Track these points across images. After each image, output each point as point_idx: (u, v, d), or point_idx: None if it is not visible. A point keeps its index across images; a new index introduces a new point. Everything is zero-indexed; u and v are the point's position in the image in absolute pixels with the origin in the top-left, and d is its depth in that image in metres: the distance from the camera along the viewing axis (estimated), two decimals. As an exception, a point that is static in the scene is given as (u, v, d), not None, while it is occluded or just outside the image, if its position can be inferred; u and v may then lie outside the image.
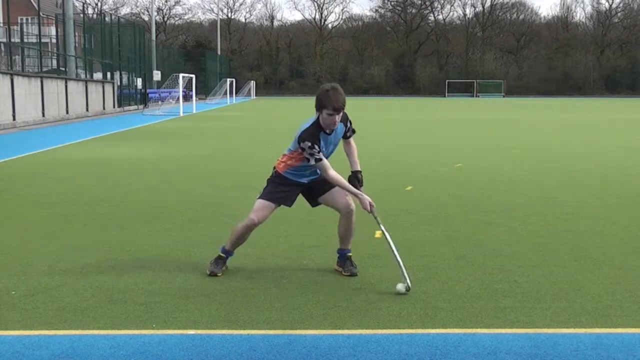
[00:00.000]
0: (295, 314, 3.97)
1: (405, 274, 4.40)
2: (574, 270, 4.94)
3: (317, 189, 4.80)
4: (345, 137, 4.83)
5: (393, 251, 4.51)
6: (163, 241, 5.84)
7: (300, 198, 4.94)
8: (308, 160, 4.54)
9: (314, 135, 4.53)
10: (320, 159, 4.54)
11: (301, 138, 4.51)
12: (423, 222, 6.71)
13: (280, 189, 4.75)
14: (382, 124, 24.40)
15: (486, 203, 7.82)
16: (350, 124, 4.83)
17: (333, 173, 4.58)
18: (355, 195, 4.65)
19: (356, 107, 41.69)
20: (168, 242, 5.81)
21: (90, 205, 7.61)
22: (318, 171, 4.70)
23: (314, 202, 4.93)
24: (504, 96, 73.47)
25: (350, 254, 4.88)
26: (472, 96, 74.37)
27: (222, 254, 4.84)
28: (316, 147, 4.50)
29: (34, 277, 4.73)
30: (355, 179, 4.77)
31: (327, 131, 4.58)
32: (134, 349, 3.44)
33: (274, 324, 3.80)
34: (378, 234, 6.11)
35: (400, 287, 4.35)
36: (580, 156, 13.31)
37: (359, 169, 4.83)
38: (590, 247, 5.66)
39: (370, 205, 4.61)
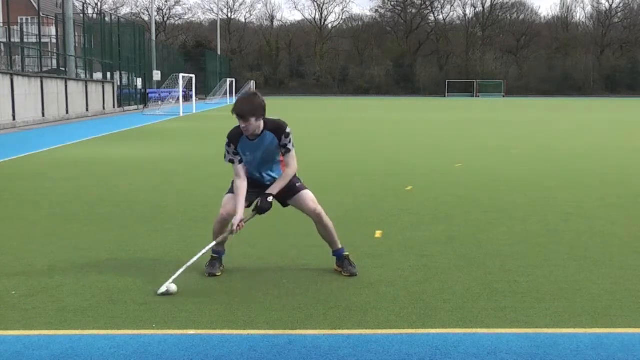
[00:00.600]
0: (295, 314, 3.97)
1: (177, 275, 4.37)
2: (574, 270, 4.94)
3: (285, 192, 4.79)
4: (281, 153, 4.72)
5: (198, 253, 4.56)
6: (163, 241, 5.84)
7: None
8: (224, 156, 4.74)
9: (233, 135, 4.68)
10: (232, 161, 4.69)
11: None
12: (423, 222, 6.71)
13: None
14: (382, 123, 24.41)
15: (486, 203, 7.82)
16: (289, 141, 4.64)
17: (236, 180, 4.70)
18: (236, 210, 4.61)
19: (356, 107, 41.71)
20: (168, 242, 5.82)
21: (90, 205, 7.61)
22: (277, 176, 4.76)
23: (283, 203, 4.95)
24: (504, 96, 73.48)
25: (347, 253, 4.87)
26: (472, 96, 74.38)
27: (213, 255, 4.86)
28: (231, 146, 4.66)
29: (34, 277, 4.73)
30: (255, 201, 4.73)
31: (249, 137, 4.60)
32: (134, 349, 3.44)
33: (274, 324, 3.80)
34: (378, 233, 6.12)
35: (172, 287, 4.30)
36: (580, 156, 13.31)
37: (271, 192, 4.66)
38: (590, 247, 5.66)
39: (231, 227, 4.58)
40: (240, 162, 4.71)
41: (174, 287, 4.33)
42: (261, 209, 4.64)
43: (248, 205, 4.80)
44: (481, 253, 5.43)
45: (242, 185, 4.66)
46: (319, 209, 4.77)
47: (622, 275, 4.80)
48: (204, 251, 4.64)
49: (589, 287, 4.51)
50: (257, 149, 4.66)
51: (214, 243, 4.72)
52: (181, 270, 4.46)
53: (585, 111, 36.61)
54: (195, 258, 4.57)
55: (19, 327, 3.76)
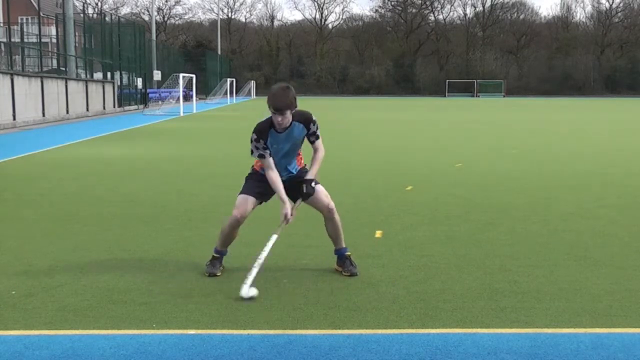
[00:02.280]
0: (295, 314, 3.97)
1: (252, 279, 4.33)
2: (574, 270, 4.94)
3: (296, 188, 4.79)
4: (310, 141, 4.77)
5: (262, 254, 4.51)
6: (163, 241, 5.84)
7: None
8: (251, 152, 4.63)
9: (262, 130, 4.61)
10: (263, 155, 4.61)
11: (253, 130, 4.59)
12: (423, 222, 6.71)
13: (256, 184, 4.80)
14: (382, 123, 24.41)
15: (486, 203, 7.82)
16: (317, 128, 4.72)
17: (270, 173, 4.64)
18: (281, 200, 4.64)
19: (356, 107, 41.71)
20: (168, 242, 5.82)
21: (90, 205, 7.61)
22: (292, 170, 4.78)
23: (296, 200, 4.92)
24: (504, 96, 73.47)
25: (349, 253, 4.88)
26: (472, 96, 74.37)
27: (215, 255, 4.86)
28: (261, 141, 4.58)
29: (34, 277, 4.73)
30: (298, 189, 4.73)
31: (279, 130, 4.59)
32: (134, 349, 3.44)
33: (274, 324, 3.80)
34: (378, 233, 6.12)
35: (252, 290, 4.26)
36: (580, 156, 13.30)
37: (310, 177, 4.72)
38: (590, 247, 5.66)
39: (286, 218, 4.60)
40: (270, 155, 4.67)
41: (255, 291, 4.28)
42: (307, 195, 4.70)
43: (260, 203, 4.80)
44: (481, 253, 5.43)
45: (276, 176, 4.66)
46: (332, 204, 4.79)
47: (622, 275, 4.80)
48: (269, 248, 4.58)
49: (589, 287, 4.51)
50: (286, 140, 4.67)
51: (275, 237, 4.65)
52: (256, 271, 4.39)
53: (585, 111, 36.60)
54: (263, 256, 4.49)
55: (19, 327, 3.76)
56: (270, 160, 4.65)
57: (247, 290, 4.25)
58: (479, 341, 3.56)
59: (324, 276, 4.76)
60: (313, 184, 4.71)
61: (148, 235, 6.10)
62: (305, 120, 4.67)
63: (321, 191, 4.80)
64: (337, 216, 4.83)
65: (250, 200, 4.75)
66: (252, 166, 4.92)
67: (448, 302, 4.19)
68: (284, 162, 4.79)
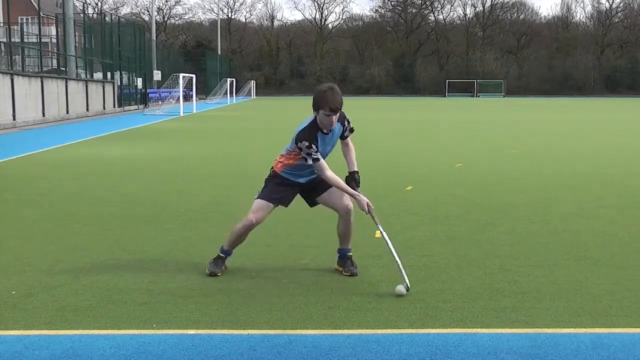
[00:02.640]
0: (295, 314, 3.97)
1: (405, 275, 4.40)
2: (574, 270, 4.94)
3: (315, 189, 4.80)
4: (343, 137, 4.81)
5: (392, 252, 4.51)
6: (163, 241, 5.84)
7: (299, 198, 4.93)
8: (305, 160, 4.53)
9: (311, 135, 4.53)
10: (318, 159, 4.53)
11: (299, 138, 4.51)
12: (423, 222, 6.71)
13: (278, 189, 4.75)
14: (383, 123, 24.41)
15: (486, 203, 7.82)
16: (349, 123, 4.79)
17: (330, 173, 4.57)
18: (352, 195, 4.64)
19: (356, 107, 41.67)
20: (168, 242, 5.82)
21: (91, 205, 7.62)
22: (315, 171, 4.69)
23: (312, 202, 4.93)
24: (504, 96, 73.47)
25: (350, 254, 4.88)
26: (472, 96, 74.37)
27: (221, 254, 4.84)
28: (313, 146, 4.50)
29: (34, 277, 4.73)
30: (352, 179, 4.74)
31: (325, 131, 4.58)
32: (134, 349, 3.44)
33: (274, 324, 3.80)
34: (378, 234, 6.11)
35: (401, 288, 4.34)
36: (580, 156, 13.30)
37: (356, 169, 4.80)
38: (590, 247, 5.66)
39: (368, 205, 4.59)
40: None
41: (401, 288, 4.32)
42: (358, 182, 4.74)
43: (276, 206, 4.76)
44: (481, 253, 5.43)
45: (335, 175, 4.63)
46: (351, 204, 4.77)
47: (622, 275, 4.80)
48: (387, 238, 4.57)
49: (589, 287, 4.51)
50: (330, 141, 4.69)
51: (381, 227, 4.63)
52: (403, 271, 4.40)
53: (585, 111, 36.60)
54: (397, 258, 4.48)
55: (19, 327, 3.76)
56: (324, 162, 4.60)
57: (402, 287, 4.32)
58: (479, 341, 3.56)
59: (324, 276, 4.76)
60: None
61: (148, 235, 6.10)
62: (341, 117, 4.69)
63: (339, 192, 4.75)
64: (352, 217, 4.81)
65: (269, 206, 4.73)
66: (272, 168, 4.82)
67: (448, 302, 4.19)
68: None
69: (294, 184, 4.77)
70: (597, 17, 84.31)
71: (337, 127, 4.65)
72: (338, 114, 4.51)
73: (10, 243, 5.77)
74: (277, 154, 4.91)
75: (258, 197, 4.77)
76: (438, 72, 79.57)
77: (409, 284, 4.36)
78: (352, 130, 4.84)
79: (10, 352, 3.40)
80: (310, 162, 4.53)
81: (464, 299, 4.25)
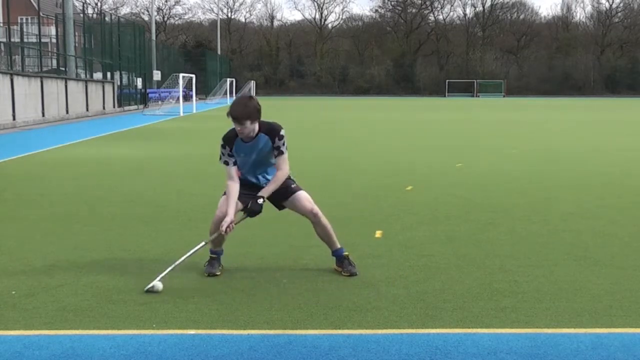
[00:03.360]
0: (295, 314, 3.97)
1: (165, 273, 4.43)
2: (574, 270, 4.94)
3: (279, 194, 4.79)
4: (273, 155, 4.72)
5: (186, 254, 4.60)
6: (163, 241, 5.84)
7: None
8: (219, 158, 4.71)
9: (229, 137, 4.68)
10: (227, 162, 4.68)
11: (222, 137, 4.69)
12: (423, 222, 6.71)
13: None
14: (383, 123, 24.41)
15: (486, 203, 7.82)
16: (281, 141, 4.64)
17: (228, 182, 4.69)
18: (227, 212, 4.61)
19: (356, 107, 41.69)
20: (168, 242, 5.82)
21: (90, 205, 7.61)
22: (264, 174, 4.78)
23: (278, 206, 4.95)
24: (504, 96, 73.45)
25: (346, 253, 4.87)
26: (472, 96, 74.36)
27: (212, 255, 4.87)
28: (227, 148, 4.65)
29: (34, 277, 4.73)
30: (247, 204, 4.69)
31: (244, 140, 4.62)
32: (134, 349, 3.44)
33: (274, 324, 3.80)
34: (378, 233, 6.12)
35: (158, 285, 4.36)
36: (580, 156, 13.30)
37: (262, 194, 4.66)
38: (590, 247, 5.66)
39: (225, 230, 4.57)
40: (235, 164, 4.72)
41: (160, 285, 4.36)
42: (251, 211, 4.66)
43: (243, 208, 4.79)
44: (481, 253, 5.43)
45: (234, 187, 4.67)
46: (316, 208, 4.77)
47: (622, 275, 4.79)
48: (191, 252, 4.65)
49: (589, 287, 4.51)
50: (251, 151, 4.68)
51: (202, 244, 4.71)
52: (169, 269, 4.49)
53: (585, 111, 36.60)
54: (183, 258, 4.60)
55: (19, 327, 3.76)
56: (232, 169, 4.68)
57: (151, 284, 4.35)
58: (479, 341, 3.56)
59: (324, 276, 4.76)
60: (260, 201, 4.64)
61: (148, 235, 6.10)
62: (271, 132, 4.65)
63: (303, 197, 4.78)
64: (323, 219, 4.80)
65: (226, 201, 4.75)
66: None
67: (448, 302, 4.19)
68: (257, 170, 4.79)
69: (250, 184, 4.80)
70: (597, 17, 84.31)
71: (262, 140, 4.64)
72: (244, 124, 4.49)
73: (10, 243, 5.77)
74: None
75: (223, 195, 4.84)
76: (438, 72, 79.56)
77: (159, 287, 4.35)
78: (281, 152, 4.67)
79: (10, 352, 3.40)
80: (221, 162, 4.71)
81: (464, 299, 4.25)
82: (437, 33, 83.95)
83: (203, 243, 4.73)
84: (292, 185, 4.82)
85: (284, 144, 4.68)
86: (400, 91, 77.05)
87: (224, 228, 4.56)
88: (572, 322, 3.85)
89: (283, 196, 4.81)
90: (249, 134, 4.58)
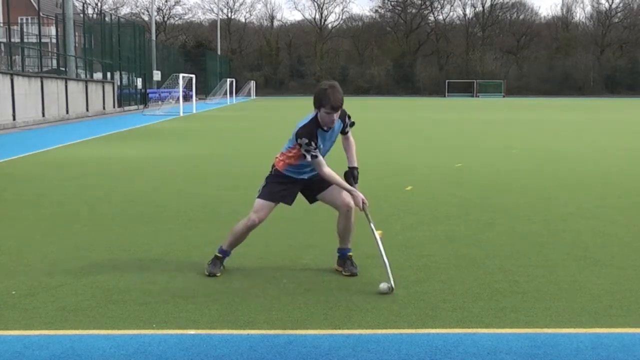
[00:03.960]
0: (295, 314, 3.97)
1: (390, 275, 4.39)
2: (574, 270, 4.94)
3: (316, 186, 4.80)
4: (344, 132, 4.82)
5: (380, 250, 4.52)
6: (163, 241, 5.84)
7: (299, 196, 4.93)
8: (304, 156, 4.55)
9: (311, 132, 4.55)
10: (316, 156, 4.55)
11: (299, 134, 4.53)
12: (423, 222, 6.71)
13: (280, 187, 4.75)
14: (382, 123, 24.40)
15: (486, 203, 7.82)
16: (349, 118, 4.81)
17: (327, 170, 4.59)
18: (348, 191, 4.67)
19: (356, 107, 41.67)
20: (168, 242, 5.81)
21: (90, 205, 7.61)
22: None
23: (312, 199, 4.93)
24: (504, 96, 73.44)
25: (350, 254, 4.88)
26: (472, 96, 74.35)
27: (219, 254, 4.83)
28: (313, 144, 4.51)
29: (34, 277, 4.72)
30: (350, 175, 4.77)
31: (325, 128, 4.59)
32: (134, 349, 3.44)
33: (274, 324, 3.80)
34: (378, 233, 6.11)
35: (384, 286, 4.34)
36: (580, 156, 13.30)
37: (356, 165, 4.82)
38: (590, 247, 5.66)
39: (363, 202, 4.64)
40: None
41: (384, 286, 4.33)
42: (355, 178, 4.76)
43: (277, 204, 4.76)
44: (481, 253, 5.43)
45: (333, 171, 4.66)
46: (352, 202, 4.75)
47: (622, 275, 4.80)
48: (380, 244, 4.58)
49: (589, 287, 4.51)
50: (330, 138, 4.70)
51: (375, 231, 4.65)
52: (389, 270, 4.41)
53: (585, 111, 36.60)
54: (384, 255, 4.51)
55: (19, 327, 3.76)
56: (322, 159, 4.63)
57: (386, 285, 4.32)
58: (479, 341, 3.56)
59: (324, 276, 4.76)
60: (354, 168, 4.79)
61: (148, 235, 6.10)
62: (342, 115, 4.69)
63: (340, 190, 4.76)
64: (353, 216, 4.81)
65: (271, 205, 4.74)
66: (273, 166, 4.80)
67: (448, 302, 4.19)
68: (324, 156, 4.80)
69: (295, 180, 4.78)
70: (596, 17, 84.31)
71: (337, 124, 4.66)
72: (339, 112, 4.51)
73: (10, 243, 5.77)
74: (277, 153, 4.91)
75: (259, 197, 4.76)
76: (438, 72, 79.56)
77: (393, 285, 4.35)
78: (352, 125, 4.85)
79: (10, 352, 3.40)
80: (308, 158, 4.55)
81: (464, 299, 4.25)
82: (437, 33, 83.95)
83: (373, 224, 4.69)
84: None
85: (350, 118, 4.82)
86: (400, 91, 77.04)
87: (362, 204, 4.62)
88: (572, 322, 3.85)
89: (319, 188, 4.79)
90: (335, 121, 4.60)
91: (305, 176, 4.78)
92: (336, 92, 4.45)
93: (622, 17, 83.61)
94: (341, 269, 4.83)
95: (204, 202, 7.82)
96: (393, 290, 4.34)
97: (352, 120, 4.84)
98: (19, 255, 5.33)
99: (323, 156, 4.67)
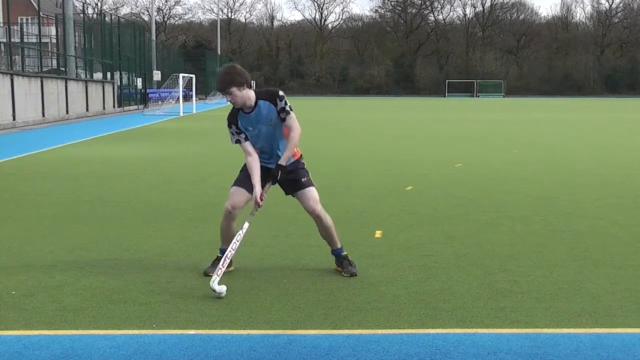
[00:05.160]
0: (295, 314, 3.97)
1: (220, 272, 4.34)
2: (574, 270, 4.94)
3: (290, 184, 4.78)
4: (281, 118, 4.59)
5: (236, 243, 4.52)
6: (163, 241, 5.84)
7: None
8: (231, 140, 4.67)
9: (231, 114, 4.65)
10: (239, 141, 4.63)
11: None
12: (423, 222, 6.71)
13: (245, 174, 4.76)
14: (382, 123, 24.41)
15: (486, 203, 7.82)
16: (283, 102, 4.53)
17: (247, 158, 4.64)
18: (253, 184, 4.61)
19: (356, 107, 41.70)
20: (168, 242, 5.81)
21: (90, 205, 7.61)
22: (281, 153, 4.66)
23: (287, 191, 4.90)
24: (504, 96, 73.47)
25: (345, 253, 4.86)
26: (472, 96, 74.38)
27: (220, 255, 4.84)
28: (232, 126, 4.62)
29: (34, 277, 4.72)
30: (269, 175, 4.66)
31: (246, 111, 4.58)
32: (134, 349, 3.44)
33: (274, 324, 3.80)
34: (378, 233, 6.12)
35: (221, 288, 4.26)
36: (580, 156, 13.30)
37: (282, 163, 4.61)
38: (590, 247, 5.66)
39: (257, 203, 4.58)
40: (246, 139, 4.65)
41: (223, 288, 4.28)
42: (273, 177, 4.63)
43: (250, 191, 4.73)
44: (481, 253, 5.43)
45: (253, 161, 4.62)
46: (319, 210, 4.74)
47: (622, 275, 4.79)
48: (240, 239, 4.57)
49: (589, 287, 4.51)
50: (257, 121, 4.61)
51: (246, 226, 4.60)
52: (223, 269, 4.39)
53: (585, 111, 36.61)
54: (233, 250, 4.51)
55: (19, 327, 3.76)
56: (247, 145, 4.64)
57: (216, 285, 4.26)
58: (479, 341, 3.56)
59: (324, 276, 4.76)
60: (281, 163, 4.63)
61: (148, 235, 6.10)
62: (271, 96, 4.56)
63: (310, 196, 4.74)
64: (325, 221, 4.77)
65: (241, 191, 4.73)
66: None
67: (448, 302, 4.18)
68: (268, 145, 4.70)
69: (262, 168, 4.72)
70: (596, 17, 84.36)
71: (264, 106, 4.56)
72: (232, 93, 4.46)
73: (10, 243, 5.76)
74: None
75: (232, 185, 4.81)
76: (438, 72, 79.57)
77: (212, 286, 4.25)
78: (287, 112, 4.54)
79: (10, 352, 3.40)
80: (233, 142, 4.66)
81: (464, 299, 4.25)
82: (437, 33, 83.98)
83: (247, 224, 4.65)
84: (303, 179, 4.75)
85: (286, 104, 4.57)
86: (400, 91, 77.05)
87: (258, 198, 4.55)
88: (571, 322, 3.85)
89: (293, 187, 4.78)
90: (243, 102, 4.51)
91: (271, 165, 4.74)
92: (220, 74, 4.46)
93: (622, 17, 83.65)
94: (341, 269, 4.82)
95: (204, 202, 7.82)
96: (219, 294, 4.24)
97: (287, 104, 4.54)
98: (19, 255, 5.33)
99: (263, 142, 4.64)
